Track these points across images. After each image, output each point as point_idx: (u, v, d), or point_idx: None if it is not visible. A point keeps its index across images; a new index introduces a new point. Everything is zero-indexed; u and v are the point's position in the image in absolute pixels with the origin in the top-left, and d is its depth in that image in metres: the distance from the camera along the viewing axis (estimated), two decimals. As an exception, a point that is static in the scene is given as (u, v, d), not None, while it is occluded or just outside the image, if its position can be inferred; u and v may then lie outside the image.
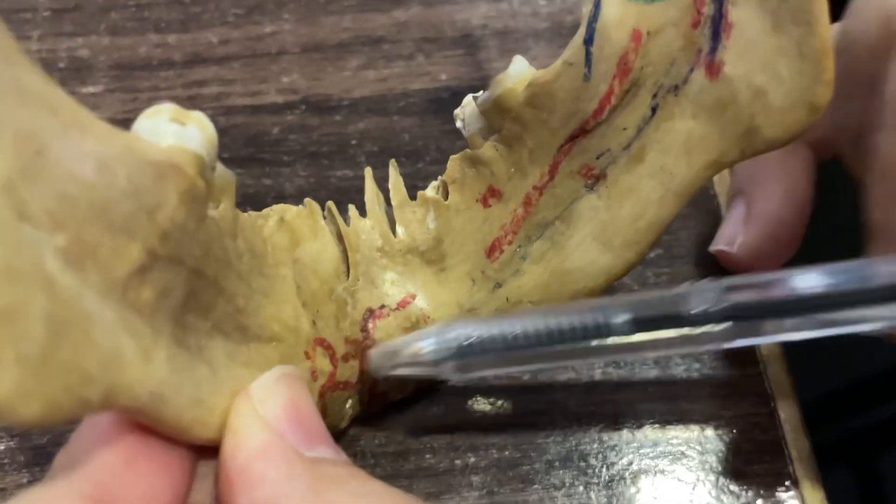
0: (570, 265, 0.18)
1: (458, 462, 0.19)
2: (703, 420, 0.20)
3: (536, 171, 0.18)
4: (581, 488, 0.19)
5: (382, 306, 0.18)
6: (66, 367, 0.11)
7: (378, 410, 0.19)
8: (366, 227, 0.19)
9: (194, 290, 0.14)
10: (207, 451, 0.15)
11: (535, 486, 0.19)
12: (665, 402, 0.20)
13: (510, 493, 0.19)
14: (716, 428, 0.20)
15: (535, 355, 0.16)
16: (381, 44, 0.26)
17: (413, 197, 0.19)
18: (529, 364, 0.16)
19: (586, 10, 0.16)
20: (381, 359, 0.17)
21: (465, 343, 0.16)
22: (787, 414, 0.20)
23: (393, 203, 0.19)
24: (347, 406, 0.18)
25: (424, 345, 0.16)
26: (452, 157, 0.18)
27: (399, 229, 0.19)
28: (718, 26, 0.15)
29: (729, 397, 0.20)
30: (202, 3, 0.27)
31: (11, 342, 0.10)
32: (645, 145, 0.17)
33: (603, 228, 0.17)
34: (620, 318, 0.15)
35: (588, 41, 0.16)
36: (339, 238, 0.18)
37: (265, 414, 0.14)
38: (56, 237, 0.11)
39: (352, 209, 0.18)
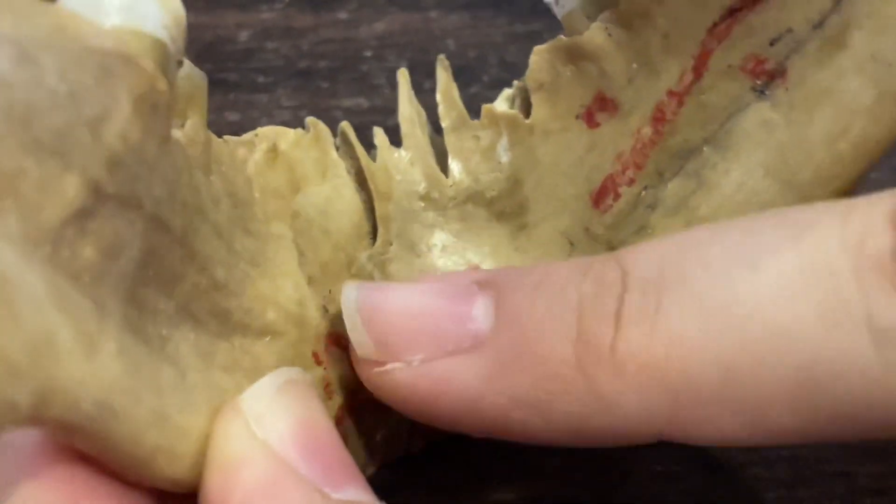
0: (727, 217, 0.17)
1: None
2: None
3: (674, 66, 0.16)
4: None
5: None
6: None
7: (421, 450, 0.18)
8: (401, 163, 0.17)
9: (154, 249, 0.13)
10: (177, 500, 0.14)
11: None
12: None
13: None
14: None
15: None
16: None
17: (476, 115, 0.17)
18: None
19: None
20: None
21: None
22: None
23: (444, 124, 0.17)
24: (378, 439, 0.17)
25: None
26: (538, 48, 0.16)
27: (453, 165, 0.17)
28: None
29: None
30: None
31: None
32: (848, 21, 0.16)
33: (783, 155, 0.16)
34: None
35: None
36: (361, 179, 0.17)
37: (266, 438, 0.14)
38: (67, 190, 0.11)
39: (379, 134, 0.17)
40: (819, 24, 0.16)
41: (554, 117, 0.17)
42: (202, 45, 0.23)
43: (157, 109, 0.12)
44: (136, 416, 0.12)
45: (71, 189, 0.11)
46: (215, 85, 0.21)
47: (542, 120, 0.17)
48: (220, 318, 0.15)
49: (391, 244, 0.17)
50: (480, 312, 0.15)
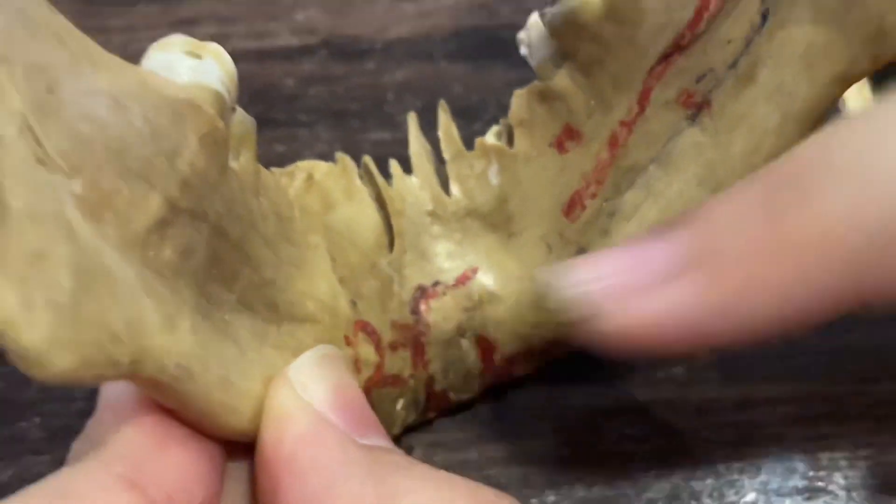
0: (670, 218, 0.19)
1: (534, 501, 0.20)
2: (851, 447, 0.20)
3: (623, 102, 0.18)
4: (692, 535, 0.20)
5: (437, 283, 0.19)
6: (94, 321, 0.12)
7: (436, 415, 0.21)
8: (412, 187, 0.20)
9: (217, 253, 0.15)
10: (237, 451, 0.16)
11: None
12: (801, 425, 0.21)
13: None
14: (867, 458, 0.20)
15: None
16: None
17: (470, 147, 0.20)
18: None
19: None
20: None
21: None
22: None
23: (445, 156, 0.20)
24: (399, 407, 0.19)
25: None
26: (517, 92, 0.19)
27: (454, 188, 0.20)
28: None
29: (887, 419, 0.21)
30: None
31: (42, 287, 0.12)
32: (756, 61, 0.18)
33: (711, 169, 0.19)
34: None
35: None
36: (380, 201, 0.19)
37: (309, 399, 0.16)
38: (73, 183, 0.13)
39: (394, 165, 0.20)
40: (733, 65, 0.18)
41: (532, 146, 0.19)
42: (255, 90, 0.26)
43: (217, 145, 0.15)
44: (207, 379, 0.14)
45: (154, 205, 0.14)
46: (266, 123, 0.23)
47: (523, 149, 0.19)
48: (271, 308, 0.17)
49: (405, 252, 0.19)
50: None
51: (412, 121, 0.20)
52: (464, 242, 0.20)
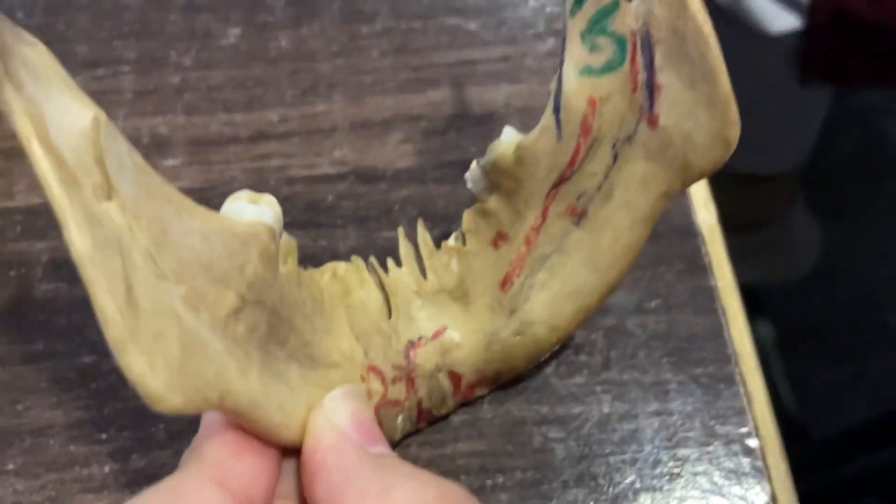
0: (567, 289, 0.21)
1: (488, 482, 0.24)
2: (697, 445, 0.25)
3: (531, 215, 0.21)
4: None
5: (420, 338, 0.22)
6: (194, 374, 0.14)
7: (425, 425, 0.23)
8: (402, 276, 0.22)
9: (273, 326, 0.17)
10: (289, 453, 0.18)
11: (553, 502, 0.24)
12: (661, 431, 0.25)
13: (533, 508, 0.24)
14: (706, 445, 0.25)
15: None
16: (418, 121, 0.31)
17: (439, 247, 0.23)
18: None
19: (553, 85, 0.20)
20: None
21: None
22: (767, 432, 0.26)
23: (422, 254, 0.22)
24: (399, 421, 0.22)
25: None
26: (466, 211, 0.22)
27: (429, 275, 0.22)
28: (651, 89, 0.19)
29: (720, 417, 0.25)
30: (263, 86, 0.32)
31: (160, 354, 0.13)
32: (612, 185, 0.20)
33: (590, 256, 0.20)
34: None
35: (556, 110, 0.20)
36: (382, 286, 0.22)
37: (336, 421, 0.18)
38: (179, 288, 0.15)
39: (390, 262, 0.23)
40: (599, 188, 0.20)
41: (478, 246, 0.22)
42: (307, 202, 0.29)
43: (270, 258, 0.17)
44: (269, 407, 0.16)
45: (230, 299, 0.16)
46: (313, 225, 0.28)
47: (472, 248, 0.22)
48: (311, 360, 0.18)
49: (399, 318, 0.22)
50: None
51: (401, 233, 0.23)
52: (437, 310, 0.22)
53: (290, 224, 0.27)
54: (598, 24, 0.19)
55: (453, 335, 0.22)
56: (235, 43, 0.33)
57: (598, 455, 0.25)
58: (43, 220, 0.29)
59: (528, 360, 0.23)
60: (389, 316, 0.22)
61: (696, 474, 0.24)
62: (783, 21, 0.55)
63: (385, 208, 0.29)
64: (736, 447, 0.25)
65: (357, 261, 0.22)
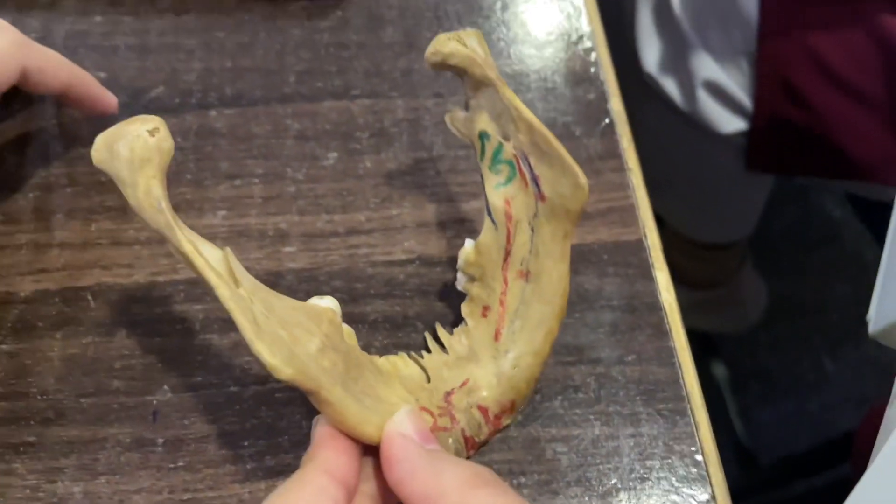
0: (533, 323, 0.28)
1: (514, 481, 0.31)
2: (660, 458, 0.33)
3: (498, 286, 0.29)
4: (586, 499, 0.31)
5: (452, 389, 0.28)
6: (300, 363, 0.21)
7: (473, 453, 0.29)
8: (433, 357, 0.30)
9: (348, 367, 0.23)
10: (367, 450, 0.23)
11: (560, 497, 0.31)
12: (635, 448, 0.33)
13: (547, 501, 0.31)
14: (666, 458, 0.33)
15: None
16: (464, 222, 0.38)
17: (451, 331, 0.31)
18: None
19: (483, 202, 0.29)
20: None
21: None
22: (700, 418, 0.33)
23: (443, 341, 0.31)
24: (450, 442, 0.27)
25: None
26: (462, 304, 0.31)
27: (450, 352, 0.30)
28: (535, 181, 0.27)
29: (676, 439, 0.34)
30: (354, 194, 0.39)
31: (277, 348, 0.21)
32: (537, 246, 0.27)
33: (541, 295, 0.28)
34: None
35: (489, 213, 0.29)
36: (420, 364, 0.29)
37: (402, 429, 0.23)
38: (283, 333, 0.22)
39: (424, 351, 0.30)
40: (531, 251, 0.27)
41: (474, 321, 0.29)
42: (384, 280, 0.36)
43: (337, 325, 0.24)
44: (356, 414, 0.22)
45: (316, 341, 0.23)
46: (390, 296, 0.36)
47: (472, 324, 0.29)
48: (377, 399, 0.24)
49: (435, 382, 0.28)
50: None
51: (428, 338, 0.31)
52: (459, 371, 0.29)
53: (373, 295, 0.36)
54: (495, 158, 0.29)
55: (472, 383, 0.29)
56: (333, 163, 0.40)
57: (592, 464, 0.32)
58: (199, 288, 0.36)
59: (528, 383, 0.29)
60: (428, 381, 0.29)
61: (659, 479, 0.32)
62: (732, 124, 0.65)
63: (440, 285, 0.36)
64: (687, 460, 0.32)
65: (403, 355, 0.30)
